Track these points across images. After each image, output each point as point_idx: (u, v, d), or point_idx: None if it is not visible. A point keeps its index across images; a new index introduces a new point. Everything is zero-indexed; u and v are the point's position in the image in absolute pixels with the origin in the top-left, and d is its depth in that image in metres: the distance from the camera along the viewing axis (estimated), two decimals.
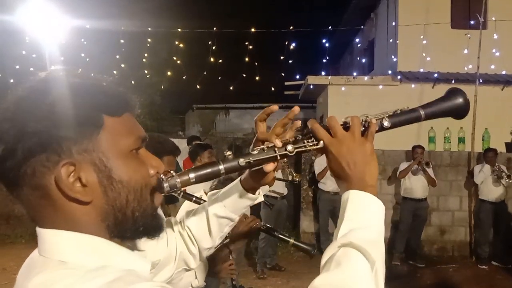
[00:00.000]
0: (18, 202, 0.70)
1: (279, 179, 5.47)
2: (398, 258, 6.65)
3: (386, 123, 0.90)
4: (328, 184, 6.60)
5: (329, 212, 6.80)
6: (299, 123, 0.96)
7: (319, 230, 7.09)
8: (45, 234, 0.69)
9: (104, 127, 0.69)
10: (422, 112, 0.92)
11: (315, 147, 0.87)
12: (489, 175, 6.51)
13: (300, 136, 0.89)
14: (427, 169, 6.49)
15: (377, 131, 0.90)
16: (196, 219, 1.18)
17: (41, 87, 0.68)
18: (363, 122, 0.88)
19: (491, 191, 6.58)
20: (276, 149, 0.87)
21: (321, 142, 0.87)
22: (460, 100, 0.93)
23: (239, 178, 1.11)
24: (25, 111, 0.66)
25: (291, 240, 1.86)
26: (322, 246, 6.93)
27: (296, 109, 0.97)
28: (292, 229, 7.80)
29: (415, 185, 6.56)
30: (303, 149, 0.87)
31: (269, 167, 0.91)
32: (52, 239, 0.68)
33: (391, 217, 6.96)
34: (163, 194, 0.79)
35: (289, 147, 0.86)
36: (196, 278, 1.99)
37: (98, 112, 0.69)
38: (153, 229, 0.76)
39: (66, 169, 0.65)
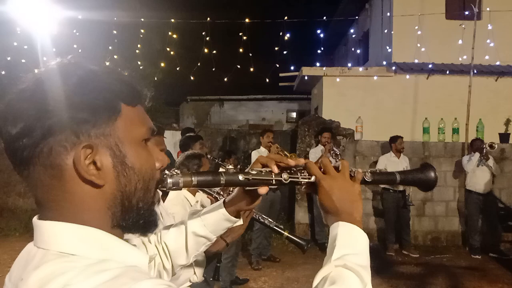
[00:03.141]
0: (26, 182, 0.70)
1: None
2: (392, 248, 6.70)
3: (367, 178, 1.00)
4: None
5: None
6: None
7: (313, 221, 7.11)
8: (43, 225, 0.69)
9: (121, 114, 0.71)
10: (398, 177, 1.03)
11: (307, 181, 0.96)
12: (476, 164, 6.54)
13: (294, 169, 0.97)
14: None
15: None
16: (174, 235, 1.18)
17: (62, 70, 0.70)
18: (351, 171, 0.97)
19: (478, 182, 6.63)
20: (273, 174, 0.94)
21: (313, 177, 0.96)
22: (431, 174, 1.03)
23: (222, 200, 1.14)
24: (46, 91, 0.66)
25: (285, 233, 1.86)
26: (317, 237, 6.96)
27: (301, 161, 1.01)
28: (287, 221, 7.82)
29: None
30: (297, 180, 0.96)
31: (262, 190, 0.97)
32: (51, 230, 0.68)
33: (373, 207, 7.04)
34: (165, 189, 0.83)
35: (285, 175, 0.95)
36: (194, 273, 1.99)
37: (116, 98, 0.71)
38: (150, 224, 0.77)
39: (85, 151, 0.66)
